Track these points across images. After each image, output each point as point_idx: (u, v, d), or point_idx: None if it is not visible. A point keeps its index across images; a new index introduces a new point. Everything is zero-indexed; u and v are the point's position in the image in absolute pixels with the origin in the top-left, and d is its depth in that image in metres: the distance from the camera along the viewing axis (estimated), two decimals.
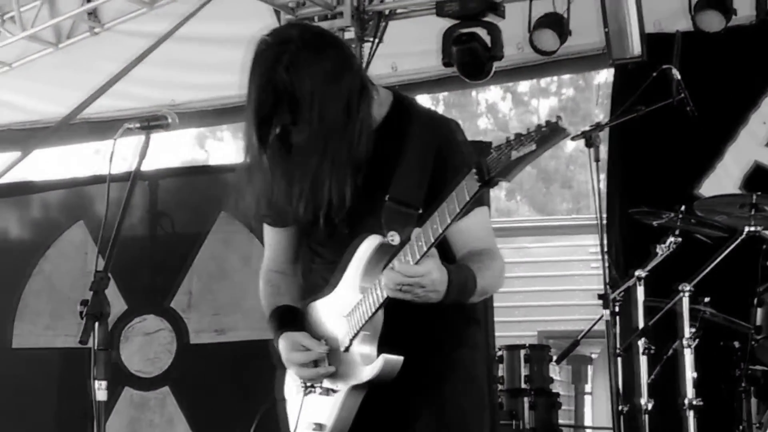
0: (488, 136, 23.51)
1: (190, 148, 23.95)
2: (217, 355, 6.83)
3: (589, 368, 11.62)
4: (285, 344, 3.12)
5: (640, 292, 6.03)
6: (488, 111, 24.82)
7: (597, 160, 5.43)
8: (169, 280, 7.02)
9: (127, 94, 8.69)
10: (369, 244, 2.96)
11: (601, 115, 11.09)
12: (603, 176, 7.76)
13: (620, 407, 5.82)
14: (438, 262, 2.80)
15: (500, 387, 7.28)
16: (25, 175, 8.07)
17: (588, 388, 11.71)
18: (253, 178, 3.08)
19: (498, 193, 23.00)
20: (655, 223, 6.11)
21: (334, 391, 3.05)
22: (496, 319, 6.54)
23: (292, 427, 3.19)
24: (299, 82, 2.91)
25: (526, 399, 7.27)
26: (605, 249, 5.53)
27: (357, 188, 2.97)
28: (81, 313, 3.15)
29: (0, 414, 7.06)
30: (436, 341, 3.09)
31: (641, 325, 6.01)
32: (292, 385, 3.22)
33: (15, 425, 7.01)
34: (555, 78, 22.14)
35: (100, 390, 3.18)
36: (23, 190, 7.67)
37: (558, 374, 8.22)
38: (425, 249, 2.74)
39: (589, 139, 5.42)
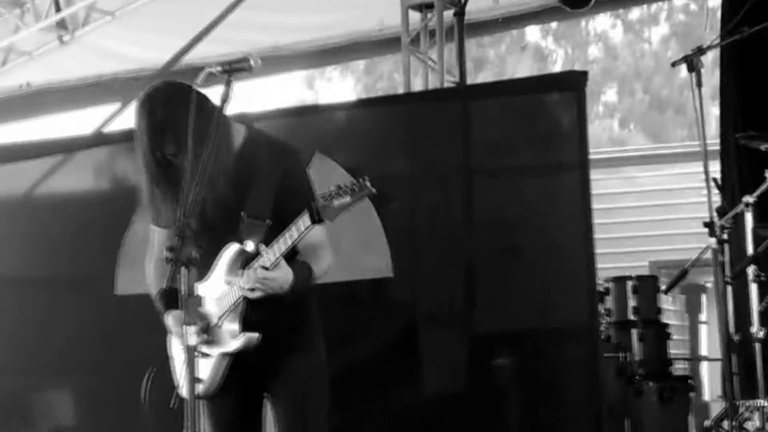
0: (599, 65, 23.24)
1: (300, 88, 24.01)
2: None
3: (704, 297, 11.42)
4: (173, 320, 3.95)
5: (749, 218, 5.90)
6: (598, 40, 24.39)
7: (699, 84, 5.28)
8: None
9: (229, 38, 8.72)
10: (231, 250, 3.92)
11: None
12: (716, 101, 7.58)
13: (732, 336, 5.72)
14: (284, 269, 3.78)
15: (607, 319, 7.19)
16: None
17: (703, 317, 11.52)
18: (147, 192, 4.01)
19: (611, 123, 22.73)
20: (763, 147, 5.95)
21: (208, 356, 3.92)
22: (605, 250, 6.41)
23: (178, 379, 3.99)
24: (176, 118, 3.75)
25: (634, 331, 7.17)
26: (710, 176, 5.39)
27: (219, 203, 3.82)
28: (167, 259, 3.19)
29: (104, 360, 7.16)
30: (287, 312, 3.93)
31: (750, 252, 5.88)
32: (174, 348, 4.07)
33: (123, 369, 7.10)
34: (666, 3, 21.60)
35: (191, 335, 3.26)
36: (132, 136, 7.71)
37: (672, 304, 8.07)
38: (273, 260, 3.75)
39: (691, 63, 5.27)
